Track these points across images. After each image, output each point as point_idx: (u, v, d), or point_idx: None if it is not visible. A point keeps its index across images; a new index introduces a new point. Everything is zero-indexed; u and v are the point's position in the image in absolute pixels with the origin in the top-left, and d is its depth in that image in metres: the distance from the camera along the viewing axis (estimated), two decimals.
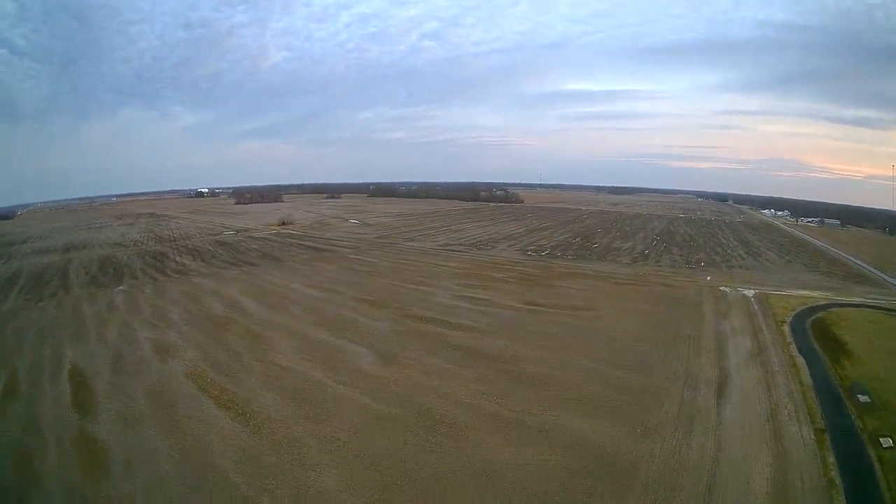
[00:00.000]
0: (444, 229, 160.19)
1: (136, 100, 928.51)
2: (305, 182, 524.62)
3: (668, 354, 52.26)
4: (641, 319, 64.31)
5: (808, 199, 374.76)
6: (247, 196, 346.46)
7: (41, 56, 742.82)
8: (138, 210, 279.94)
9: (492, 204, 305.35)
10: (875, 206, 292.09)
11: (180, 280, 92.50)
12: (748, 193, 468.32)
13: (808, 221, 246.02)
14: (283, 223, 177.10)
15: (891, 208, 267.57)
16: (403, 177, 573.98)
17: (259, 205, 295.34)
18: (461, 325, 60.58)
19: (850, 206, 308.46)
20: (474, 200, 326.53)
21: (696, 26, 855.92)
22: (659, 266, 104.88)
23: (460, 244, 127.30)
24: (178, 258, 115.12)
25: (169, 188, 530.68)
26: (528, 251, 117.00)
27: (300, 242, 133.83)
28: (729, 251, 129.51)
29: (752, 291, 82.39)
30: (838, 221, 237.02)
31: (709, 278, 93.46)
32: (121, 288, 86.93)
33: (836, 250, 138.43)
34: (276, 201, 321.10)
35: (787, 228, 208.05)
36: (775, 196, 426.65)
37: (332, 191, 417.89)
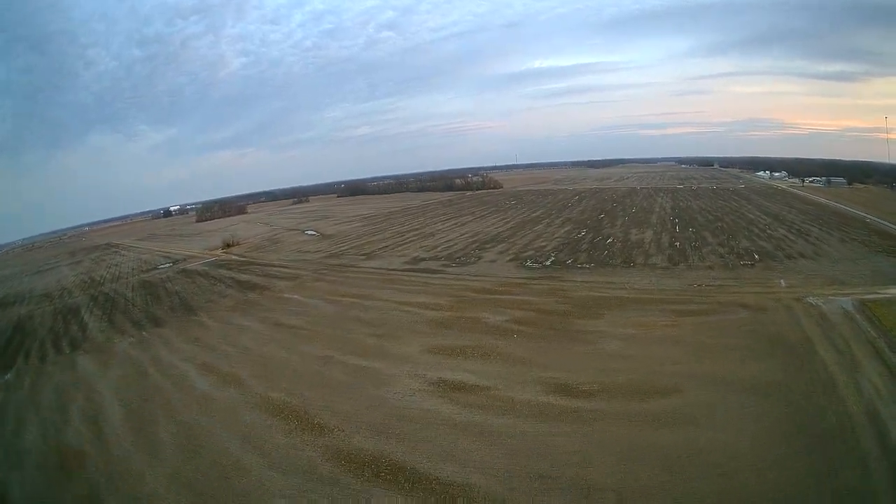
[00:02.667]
0: (416, 234, 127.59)
1: (100, 125, 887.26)
2: (276, 188, 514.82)
3: None
4: (759, 410, 32.93)
5: (789, 156, 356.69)
6: (210, 212, 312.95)
7: (3, 90, 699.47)
8: (99, 241, 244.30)
9: (469, 192, 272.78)
10: (859, 159, 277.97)
11: (58, 364, 61.80)
12: (727, 155, 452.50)
13: (812, 181, 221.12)
14: (228, 245, 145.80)
15: (876, 160, 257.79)
16: (376, 172, 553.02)
17: (220, 220, 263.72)
18: (444, 484, 28.46)
19: (839, 160, 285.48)
20: (450, 190, 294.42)
21: None
22: (710, 268, 73.41)
23: (435, 257, 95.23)
24: (86, 316, 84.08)
25: (142, 209, 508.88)
26: (525, 261, 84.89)
27: (233, 276, 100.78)
28: (769, 231, 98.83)
29: (848, 300, 53.96)
30: (844, 180, 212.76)
31: (783, 283, 63.51)
32: None
33: (873, 217, 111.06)
34: (239, 213, 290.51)
35: (800, 192, 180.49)
36: (756, 156, 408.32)
37: (302, 194, 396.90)
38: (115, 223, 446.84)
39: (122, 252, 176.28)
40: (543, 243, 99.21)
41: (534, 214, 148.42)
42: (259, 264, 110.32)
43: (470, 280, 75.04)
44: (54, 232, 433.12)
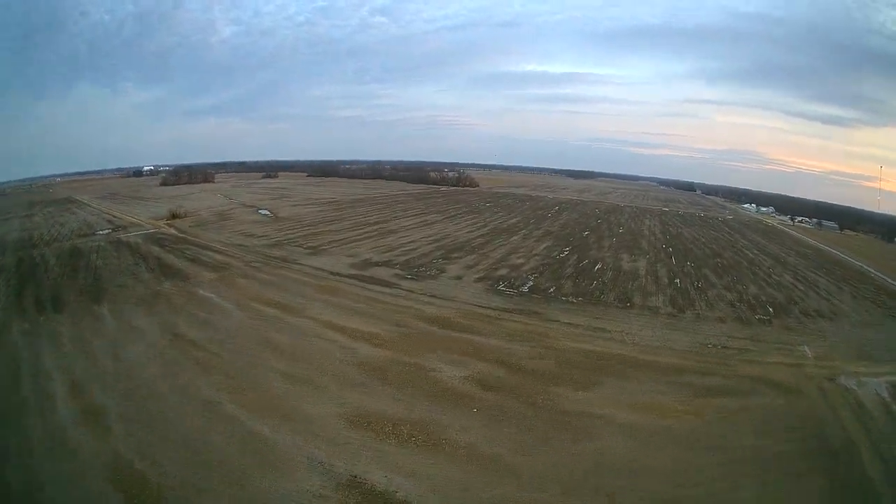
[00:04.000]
0: (375, 229, 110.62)
1: (88, 75, 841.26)
2: (254, 159, 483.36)
3: None
4: None
5: (770, 191, 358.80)
6: (175, 176, 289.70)
7: None
8: (63, 194, 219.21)
9: (443, 188, 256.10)
10: (844, 203, 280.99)
11: None
12: (708, 182, 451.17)
13: (800, 221, 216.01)
14: (174, 216, 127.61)
15: (859, 206, 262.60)
16: (355, 155, 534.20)
17: (183, 187, 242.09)
18: None
19: (825, 203, 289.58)
20: (423, 183, 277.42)
21: (659, 12, 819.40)
22: (721, 320, 59.04)
23: (390, 262, 78.49)
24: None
25: (118, 166, 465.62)
26: (498, 283, 68.90)
27: (161, 255, 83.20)
28: (775, 277, 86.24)
29: (882, 384, 43.29)
30: (835, 224, 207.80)
31: (808, 352, 50.53)
32: None
33: (875, 270, 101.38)
34: (205, 181, 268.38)
35: (792, 232, 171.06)
36: (737, 186, 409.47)
37: (278, 168, 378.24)
38: (88, 177, 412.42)
39: (75, 210, 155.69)
40: (520, 260, 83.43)
41: (510, 222, 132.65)
42: (195, 244, 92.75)
43: (426, 303, 58.80)
44: (28, 179, 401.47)
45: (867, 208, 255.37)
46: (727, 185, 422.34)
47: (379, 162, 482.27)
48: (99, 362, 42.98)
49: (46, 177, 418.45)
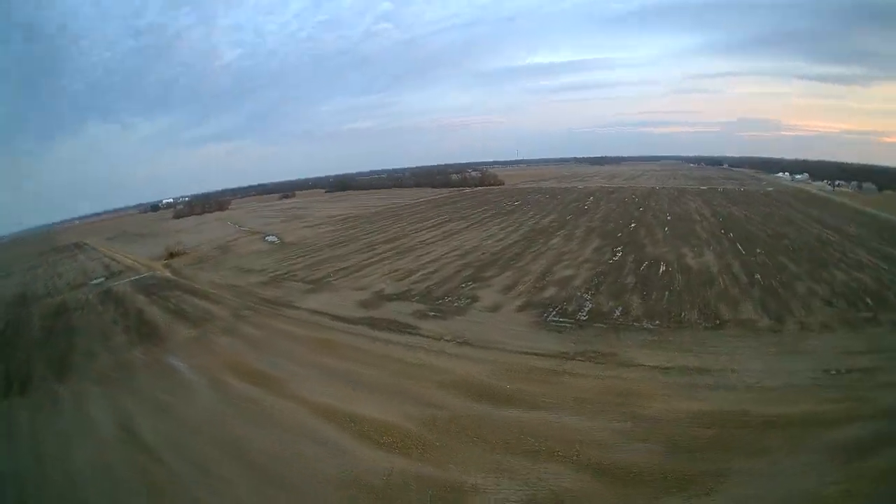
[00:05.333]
0: (391, 248, 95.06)
1: (94, 114, 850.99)
2: (271, 181, 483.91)
3: None
4: None
5: (789, 157, 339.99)
6: (189, 208, 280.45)
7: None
8: (75, 238, 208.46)
9: (466, 190, 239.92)
10: (864, 162, 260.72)
11: None
12: (726, 155, 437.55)
13: (839, 185, 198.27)
14: (171, 255, 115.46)
15: (881, 163, 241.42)
16: (373, 166, 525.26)
17: (196, 217, 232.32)
18: None
19: (846, 163, 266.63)
20: (445, 187, 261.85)
21: None
22: (828, 328, 43.62)
23: (407, 293, 62.41)
24: None
25: (137, 202, 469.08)
26: (546, 311, 52.12)
27: (144, 307, 70.08)
28: (851, 255, 69.25)
29: None
30: (874, 186, 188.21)
31: None
32: None
33: None
34: (220, 209, 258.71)
35: (837, 199, 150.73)
36: (755, 155, 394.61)
37: (297, 188, 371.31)
38: (106, 216, 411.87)
39: (79, 256, 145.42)
40: (568, 272, 66.87)
41: (545, 221, 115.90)
42: (183, 288, 78.97)
43: (455, 356, 42.61)
44: (47, 225, 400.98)
45: (892, 164, 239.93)
46: (748, 155, 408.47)
47: (398, 170, 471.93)
48: (46, 471, 31.97)
49: (64, 221, 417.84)
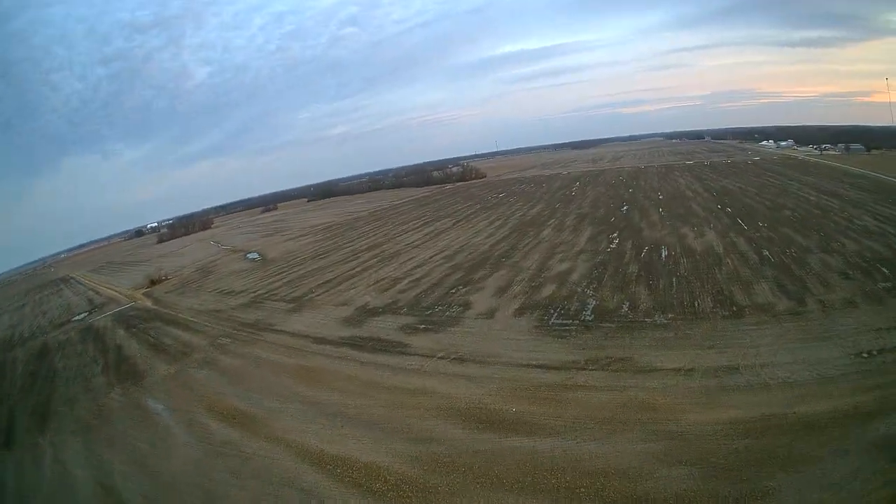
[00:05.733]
0: (375, 255, 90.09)
1: (74, 147, 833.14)
2: (255, 194, 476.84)
3: None
4: None
5: (769, 124, 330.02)
6: (172, 230, 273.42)
7: None
8: (62, 273, 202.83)
9: (448, 186, 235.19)
10: (847, 123, 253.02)
11: None
12: (708, 128, 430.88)
13: (826, 148, 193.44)
14: (152, 282, 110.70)
15: (862, 123, 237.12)
16: (356, 170, 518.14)
17: (180, 240, 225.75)
18: None
19: (829, 125, 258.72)
20: (427, 185, 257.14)
21: None
22: (851, 304, 39.84)
23: (393, 305, 57.49)
24: None
25: (126, 228, 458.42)
26: (548, 313, 47.73)
27: (122, 344, 65.25)
28: (857, 222, 65.57)
29: None
30: (862, 147, 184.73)
31: None
32: None
33: None
34: (202, 229, 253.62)
35: (826, 162, 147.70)
36: (738, 126, 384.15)
37: (280, 199, 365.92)
38: (94, 246, 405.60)
39: (65, 291, 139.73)
40: (564, 265, 62.51)
41: (533, 211, 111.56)
42: (163, 318, 74.66)
43: (451, 376, 37.89)
44: (36, 261, 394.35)
45: (876, 124, 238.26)
46: (728, 126, 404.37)
47: (380, 172, 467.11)
48: None
49: (52, 255, 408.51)
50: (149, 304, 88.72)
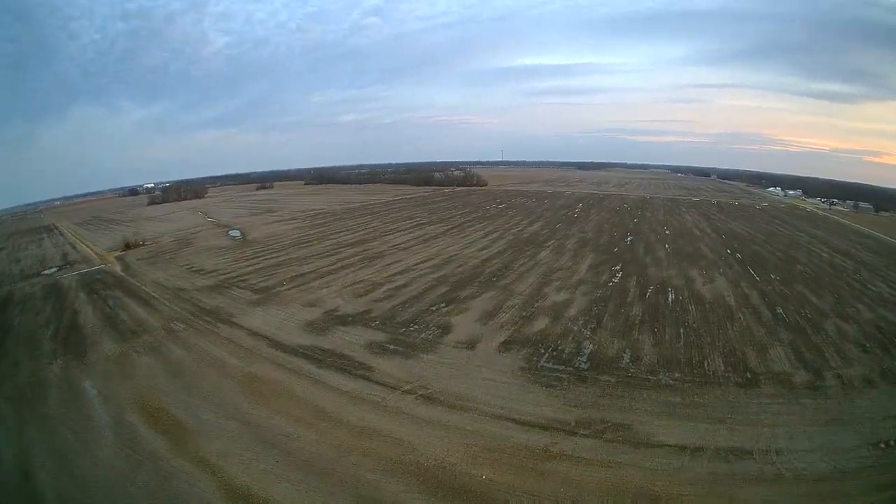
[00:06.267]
0: (357, 251, 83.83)
1: (84, 97, 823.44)
2: (256, 170, 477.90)
3: None
4: None
5: (777, 171, 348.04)
6: (164, 194, 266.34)
7: None
8: (48, 221, 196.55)
9: (447, 189, 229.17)
10: (856, 181, 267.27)
11: None
12: (715, 166, 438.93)
13: (834, 203, 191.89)
14: (127, 246, 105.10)
15: (872, 183, 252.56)
16: (358, 159, 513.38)
17: (170, 205, 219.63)
18: None
19: (838, 181, 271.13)
20: (427, 185, 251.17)
21: None
22: (869, 382, 36.44)
23: (364, 315, 51.50)
24: None
25: (123, 185, 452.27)
26: (538, 353, 41.46)
27: (79, 310, 60.30)
28: (870, 286, 62.91)
29: None
30: (871, 206, 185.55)
31: None
32: None
33: None
34: (196, 197, 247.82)
35: (835, 217, 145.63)
36: (744, 169, 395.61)
37: (280, 178, 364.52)
38: (87, 198, 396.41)
39: (45, 241, 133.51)
40: (561, 296, 56.62)
41: (532, 228, 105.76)
42: (126, 288, 69.04)
43: (418, 422, 31.82)
44: (29, 204, 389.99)
45: (884, 185, 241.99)
46: (735, 168, 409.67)
47: (382, 165, 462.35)
48: None
49: (47, 201, 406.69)
50: (117, 269, 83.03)
